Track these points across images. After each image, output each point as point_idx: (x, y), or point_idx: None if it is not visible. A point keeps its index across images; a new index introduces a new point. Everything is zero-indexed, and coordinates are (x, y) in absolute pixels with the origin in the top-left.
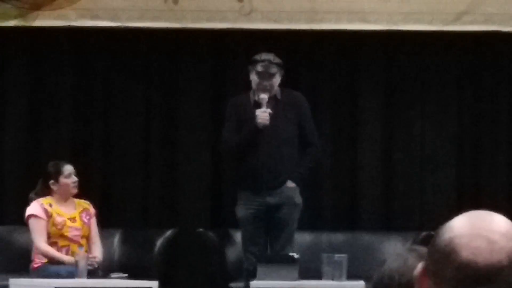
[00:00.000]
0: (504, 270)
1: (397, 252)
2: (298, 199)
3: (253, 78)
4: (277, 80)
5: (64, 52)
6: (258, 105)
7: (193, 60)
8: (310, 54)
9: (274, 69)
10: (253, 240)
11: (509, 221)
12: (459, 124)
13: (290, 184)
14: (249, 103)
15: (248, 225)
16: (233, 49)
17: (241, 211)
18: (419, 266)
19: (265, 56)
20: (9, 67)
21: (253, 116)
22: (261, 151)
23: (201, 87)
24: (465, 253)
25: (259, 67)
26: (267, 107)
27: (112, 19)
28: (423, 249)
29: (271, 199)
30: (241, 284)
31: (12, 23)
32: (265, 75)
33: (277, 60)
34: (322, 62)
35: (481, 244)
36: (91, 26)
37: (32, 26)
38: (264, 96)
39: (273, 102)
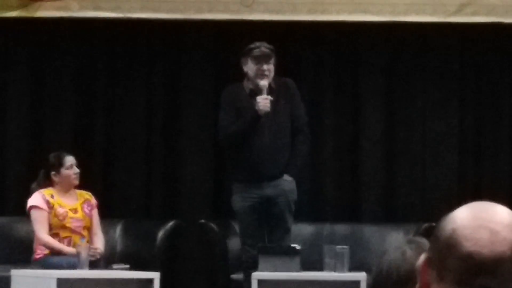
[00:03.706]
0: (507, 261)
1: (396, 244)
2: (294, 193)
3: (250, 66)
4: (273, 66)
5: (66, 43)
6: (254, 93)
7: (195, 51)
8: (311, 45)
9: (269, 52)
10: (251, 232)
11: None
12: (461, 114)
13: (287, 177)
14: (244, 92)
15: (245, 217)
16: (235, 40)
17: (238, 203)
18: (422, 257)
19: (257, 43)
20: (11, 57)
21: (249, 105)
22: (258, 141)
23: (203, 78)
24: (468, 244)
25: (255, 52)
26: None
27: (114, 10)
28: (422, 241)
29: (269, 191)
30: (242, 275)
31: (14, 13)
32: (263, 58)
33: (269, 46)
34: (323, 53)
35: (484, 235)
36: (93, 17)
37: (34, 17)
38: (264, 83)
39: (267, 90)
